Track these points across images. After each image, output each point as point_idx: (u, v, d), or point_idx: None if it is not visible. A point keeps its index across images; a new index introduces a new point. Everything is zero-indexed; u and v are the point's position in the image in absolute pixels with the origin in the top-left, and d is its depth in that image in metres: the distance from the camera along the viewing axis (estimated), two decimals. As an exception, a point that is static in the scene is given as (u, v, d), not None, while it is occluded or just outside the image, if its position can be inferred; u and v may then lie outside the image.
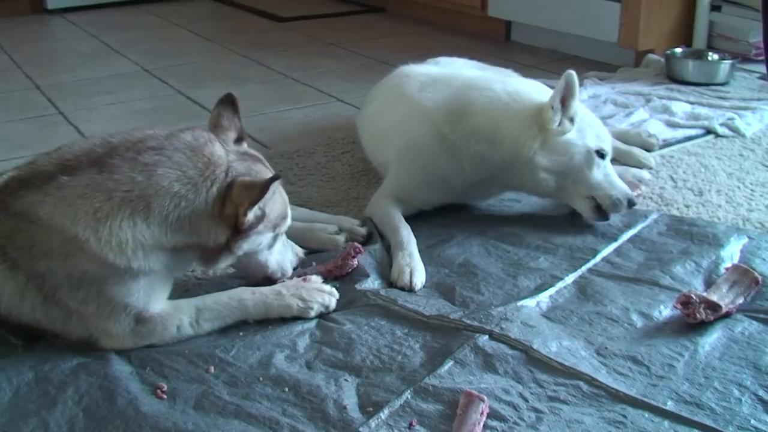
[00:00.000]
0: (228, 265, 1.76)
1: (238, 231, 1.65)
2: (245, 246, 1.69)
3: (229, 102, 1.79)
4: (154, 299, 1.67)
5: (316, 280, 1.85)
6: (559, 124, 2.08)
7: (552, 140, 2.09)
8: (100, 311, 1.61)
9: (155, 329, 1.66)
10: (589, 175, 2.13)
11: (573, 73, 2.06)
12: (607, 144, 2.18)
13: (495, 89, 2.18)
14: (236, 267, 1.83)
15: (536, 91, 2.20)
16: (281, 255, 1.84)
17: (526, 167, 2.11)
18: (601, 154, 2.15)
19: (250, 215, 1.63)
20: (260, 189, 1.61)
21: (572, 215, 2.23)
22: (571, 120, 2.10)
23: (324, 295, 1.80)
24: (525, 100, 2.14)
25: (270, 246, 1.78)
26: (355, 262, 1.95)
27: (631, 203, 2.15)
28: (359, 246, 1.97)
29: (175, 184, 1.60)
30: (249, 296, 1.76)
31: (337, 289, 1.84)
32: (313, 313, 1.77)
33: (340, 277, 1.93)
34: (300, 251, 1.92)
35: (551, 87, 2.19)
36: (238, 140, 1.76)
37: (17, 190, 1.61)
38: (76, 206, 1.55)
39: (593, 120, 2.20)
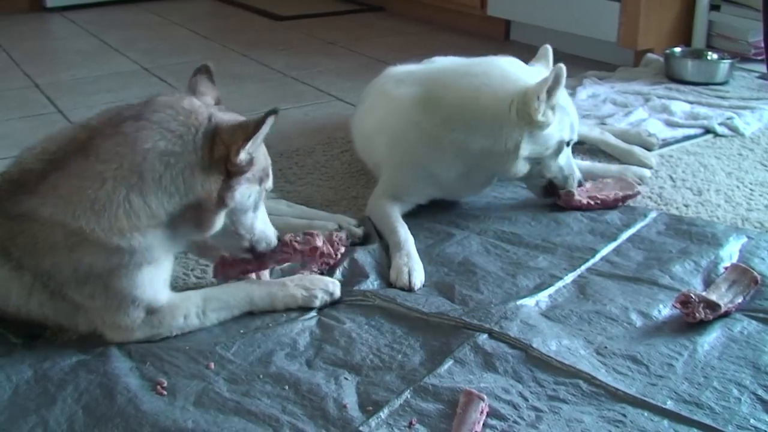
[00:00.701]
0: (220, 228, 1.72)
1: (230, 175, 1.62)
2: (237, 196, 1.66)
3: (205, 70, 1.81)
4: (161, 289, 1.67)
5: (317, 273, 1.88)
6: (543, 114, 2.09)
7: (535, 131, 2.11)
8: (109, 304, 1.61)
9: (164, 319, 1.67)
10: (556, 162, 2.21)
11: (563, 67, 2.07)
12: (576, 132, 2.25)
13: (465, 80, 2.16)
14: (219, 241, 1.77)
15: (511, 71, 2.19)
16: (264, 224, 1.81)
17: (507, 154, 2.12)
18: (568, 143, 2.22)
19: (243, 154, 1.60)
20: (256, 123, 1.60)
21: (572, 215, 2.23)
22: (553, 109, 2.11)
23: (327, 282, 1.81)
24: (497, 87, 2.12)
25: (256, 206, 1.75)
26: (341, 248, 1.97)
27: (580, 183, 2.29)
28: (341, 236, 1.99)
29: (159, 142, 1.59)
30: (255, 287, 1.78)
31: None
32: (317, 302, 1.78)
33: (335, 265, 1.95)
34: (276, 234, 1.87)
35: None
36: (216, 104, 1.77)
37: (14, 194, 1.60)
38: (74, 202, 1.56)
39: (570, 107, 2.22)
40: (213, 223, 1.67)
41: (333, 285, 1.82)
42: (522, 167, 2.15)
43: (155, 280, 1.66)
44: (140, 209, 1.58)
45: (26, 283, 1.60)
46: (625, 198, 2.29)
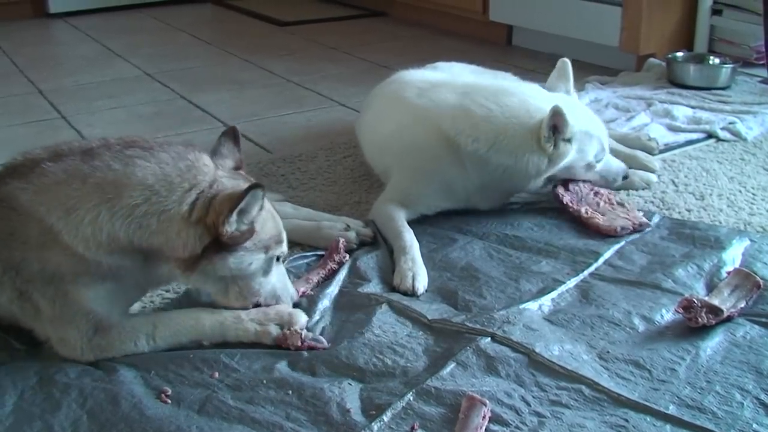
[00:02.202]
0: (213, 287, 1.69)
1: (222, 244, 1.61)
2: (232, 262, 1.64)
3: (231, 134, 1.80)
4: (118, 309, 1.65)
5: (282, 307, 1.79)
6: (557, 146, 2.13)
7: (556, 159, 2.16)
8: (63, 313, 1.59)
9: (113, 343, 1.63)
10: (592, 173, 2.28)
11: (558, 105, 2.09)
12: (606, 148, 2.29)
13: (496, 102, 2.18)
14: (220, 297, 1.72)
15: (534, 104, 2.19)
16: (279, 284, 1.76)
17: (527, 175, 2.17)
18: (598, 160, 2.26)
19: (228, 227, 1.58)
20: (239, 196, 1.57)
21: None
22: (569, 140, 2.14)
23: (283, 314, 1.72)
24: (524, 118, 2.15)
25: (265, 271, 1.71)
26: (346, 256, 2.02)
27: (625, 176, 2.38)
28: (349, 236, 2.05)
29: (150, 177, 1.59)
30: (207, 316, 1.70)
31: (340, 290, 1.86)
32: (270, 339, 1.68)
33: (336, 271, 1.98)
34: (295, 294, 1.82)
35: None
36: (236, 169, 1.76)
37: (4, 178, 1.63)
38: (51, 194, 1.57)
39: (595, 127, 2.24)
40: (194, 272, 1.64)
41: (291, 316, 1.72)
42: (539, 184, 2.23)
43: (115, 300, 1.64)
44: (105, 225, 1.57)
45: None
46: (599, 230, 2.15)
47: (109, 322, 1.63)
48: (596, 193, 2.28)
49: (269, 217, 1.71)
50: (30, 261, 1.58)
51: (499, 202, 2.31)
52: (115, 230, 1.57)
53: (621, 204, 2.27)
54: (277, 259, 1.75)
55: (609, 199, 2.27)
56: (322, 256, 2.04)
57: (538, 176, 2.18)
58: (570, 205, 2.23)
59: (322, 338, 1.70)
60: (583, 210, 2.21)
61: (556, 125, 2.10)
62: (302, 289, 1.87)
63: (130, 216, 1.57)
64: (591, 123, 2.25)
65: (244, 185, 1.63)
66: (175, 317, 1.71)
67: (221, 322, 1.70)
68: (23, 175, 1.61)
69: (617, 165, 2.34)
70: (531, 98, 2.21)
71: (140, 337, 1.65)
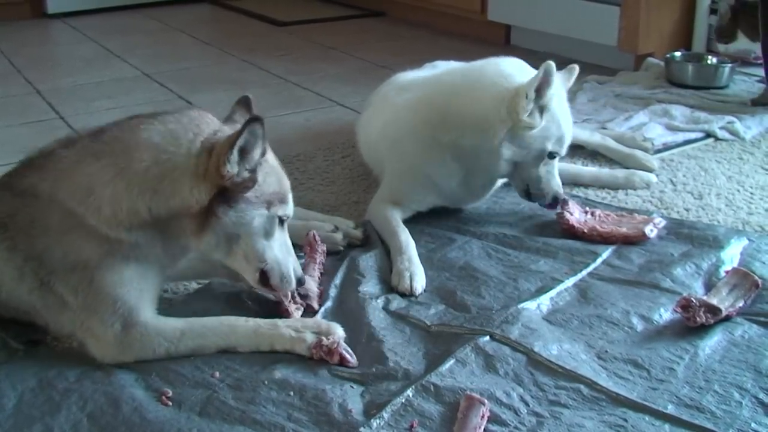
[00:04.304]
0: (223, 250, 1.66)
1: (225, 189, 1.59)
2: (234, 215, 1.61)
3: (244, 102, 1.81)
4: (144, 301, 1.64)
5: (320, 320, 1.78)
6: (530, 114, 2.04)
7: (519, 132, 2.07)
8: (89, 302, 1.59)
9: (135, 344, 1.62)
10: (535, 169, 2.15)
11: (551, 63, 2.03)
12: (565, 146, 2.17)
13: (460, 79, 2.21)
14: (229, 259, 1.69)
15: (507, 70, 2.16)
16: (281, 253, 1.71)
17: (492, 154, 2.10)
18: (552, 155, 2.15)
19: (228, 167, 1.55)
20: (237, 132, 1.56)
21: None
22: (542, 110, 2.05)
23: (320, 324, 1.70)
24: (489, 85, 2.12)
25: (267, 232, 1.68)
26: (324, 245, 2.02)
27: (555, 200, 2.19)
28: (313, 231, 2.04)
29: (155, 136, 1.61)
30: (241, 323, 1.69)
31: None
32: (305, 347, 1.64)
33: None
34: (299, 270, 1.78)
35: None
36: None
37: (23, 172, 1.67)
38: (69, 178, 1.61)
39: (564, 120, 2.14)
40: (207, 232, 1.62)
41: (329, 326, 1.69)
42: (503, 168, 2.13)
43: (141, 284, 1.63)
44: (123, 197, 1.58)
45: (18, 265, 1.62)
46: (627, 238, 2.10)
47: (137, 317, 1.62)
48: (592, 214, 2.21)
49: (272, 171, 1.69)
50: (53, 249, 1.59)
51: (480, 196, 2.29)
52: (133, 201, 1.59)
53: (620, 215, 2.22)
54: (281, 222, 1.71)
55: (608, 215, 2.21)
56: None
57: (499, 151, 2.08)
58: (579, 227, 2.14)
59: (353, 353, 1.65)
60: (598, 226, 2.14)
61: (540, 87, 2.01)
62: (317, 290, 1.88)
63: (144, 182, 1.59)
64: (564, 111, 2.14)
65: None
66: (205, 323, 1.68)
67: (255, 330, 1.68)
68: (40, 167, 1.65)
69: (557, 183, 2.19)
70: (504, 67, 2.19)
71: (161, 344, 1.63)
